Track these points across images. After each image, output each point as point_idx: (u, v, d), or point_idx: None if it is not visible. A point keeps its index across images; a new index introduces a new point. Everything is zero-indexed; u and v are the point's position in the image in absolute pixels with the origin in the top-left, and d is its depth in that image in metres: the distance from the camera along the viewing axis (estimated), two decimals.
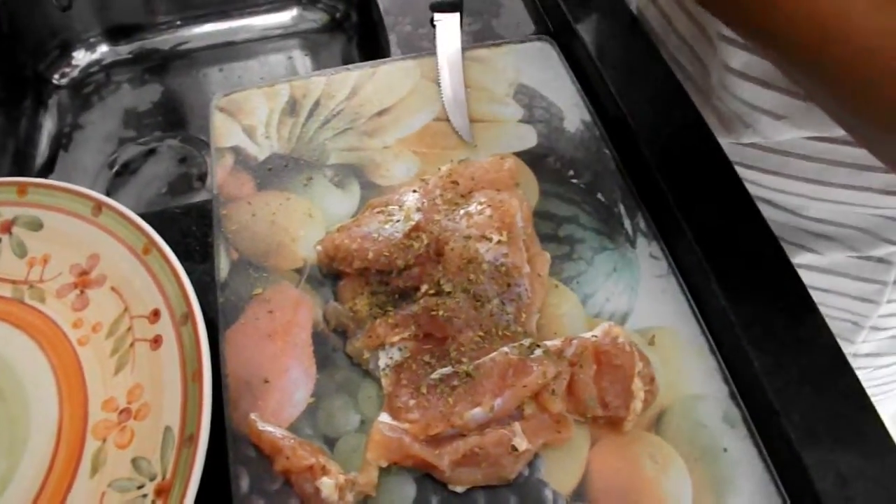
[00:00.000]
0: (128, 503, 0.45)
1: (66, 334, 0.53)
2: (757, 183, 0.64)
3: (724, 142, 0.59)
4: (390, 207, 0.55)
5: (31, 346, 0.52)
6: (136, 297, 0.52)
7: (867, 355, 0.75)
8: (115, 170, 0.85)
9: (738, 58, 0.57)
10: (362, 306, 0.52)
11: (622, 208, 0.57)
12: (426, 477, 0.46)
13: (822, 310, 0.49)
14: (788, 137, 0.60)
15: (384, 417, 0.47)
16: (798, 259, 0.68)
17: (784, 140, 0.60)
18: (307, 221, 0.56)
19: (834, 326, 0.48)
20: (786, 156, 0.62)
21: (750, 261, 0.51)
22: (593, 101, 0.64)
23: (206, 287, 0.54)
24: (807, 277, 0.52)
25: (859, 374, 0.47)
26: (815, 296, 0.49)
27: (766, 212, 0.54)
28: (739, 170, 0.56)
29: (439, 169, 0.58)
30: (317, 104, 0.63)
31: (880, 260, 0.66)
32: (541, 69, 0.66)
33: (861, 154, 0.57)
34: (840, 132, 0.56)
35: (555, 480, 0.46)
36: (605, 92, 0.63)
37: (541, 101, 0.64)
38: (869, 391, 0.46)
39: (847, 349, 0.67)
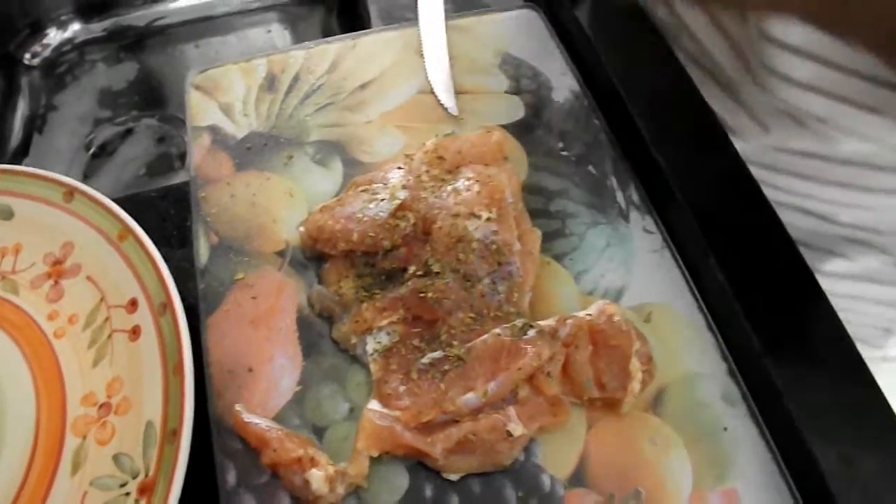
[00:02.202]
0: (111, 502, 0.44)
1: (40, 327, 0.51)
2: (787, 189, 0.62)
3: (753, 145, 0.57)
4: (374, 185, 0.52)
5: (5, 340, 0.50)
6: (112, 286, 0.50)
7: None
8: (91, 152, 0.83)
9: (785, 60, 0.55)
10: (348, 289, 0.50)
11: (614, 181, 0.55)
12: (419, 465, 0.45)
13: (849, 316, 0.47)
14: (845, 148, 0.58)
15: (374, 405, 0.45)
16: (828, 266, 0.65)
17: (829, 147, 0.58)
18: (289, 201, 0.54)
19: (860, 332, 0.47)
20: (823, 161, 0.60)
21: (747, 233, 0.50)
22: (582, 71, 0.62)
23: (185, 273, 0.52)
24: (837, 286, 0.50)
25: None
26: (844, 303, 0.48)
27: (794, 218, 0.52)
28: (767, 174, 0.54)
29: (424, 144, 0.56)
30: (296, 79, 0.61)
31: None
32: (527, 39, 0.64)
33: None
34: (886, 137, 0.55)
35: (552, 465, 0.45)
36: (594, 61, 0.61)
37: (528, 70, 0.62)
38: None
39: (874, 353, 0.67)
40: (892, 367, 0.71)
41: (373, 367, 0.47)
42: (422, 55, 0.62)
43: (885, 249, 0.63)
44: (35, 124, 0.85)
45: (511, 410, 0.44)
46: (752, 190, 0.52)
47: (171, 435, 0.43)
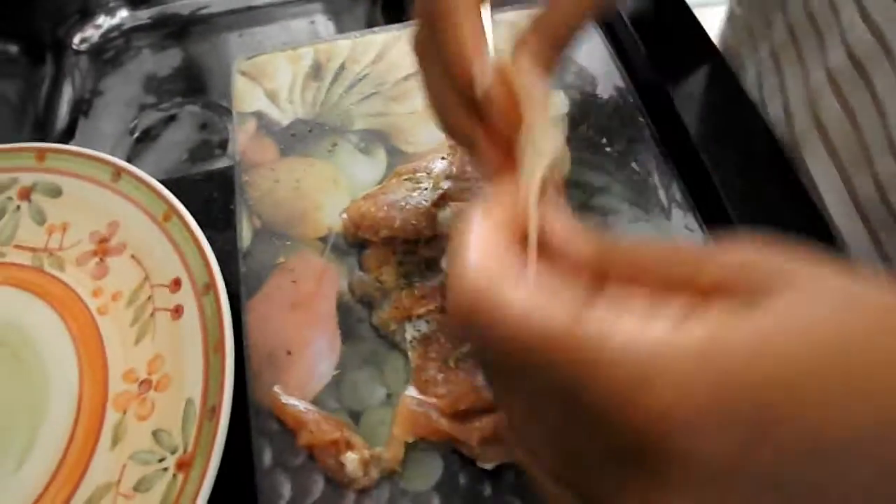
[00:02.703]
0: (149, 476, 0.44)
1: (85, 303, 0.51)
2: None
3: None
4: (418, 175, 0.53)
5: (51, 315, 0.51)
6: (156, 266, 0.51)
7: None
8: (135, 136, 0.84)
9: None
10: (388, 276, 0.50)
11: (657, 178, 0.55)
12: (454, 453, 0.45)
13: None
14: None
15: (411, 391, 0.45)
16: None
17: None
18: (332, 188, 0.55)
19: None
20: None
21: (789, 233, 0.49)
22: (627, 68, 0.62)
23: (228, 256, 0.52)
24: None
25: None
26: None
27: None
28: None
29: None
30: (342, 68, 0.62)
31: None
32: None
33: None
34: None
35: None
36: (639, 58, 0.60)
37: (573, 66, 0.62)
38: None
39: None
40: None
41: (411, 354, 0.47)
42: None
43: None
44: (81, 108, 0.87)
45: None
46: (795, 188, 0.52)
47: (211, 412, 0.44)
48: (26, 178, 0.55)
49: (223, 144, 0.83)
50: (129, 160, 0.81)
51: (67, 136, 0.84)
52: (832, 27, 0.50)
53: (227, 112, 0.84)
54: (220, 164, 0.79)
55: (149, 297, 0.50)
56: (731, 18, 0.67)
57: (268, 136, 0.58)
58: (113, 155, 0.55)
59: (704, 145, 0.54)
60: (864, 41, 0.47)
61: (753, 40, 0.62)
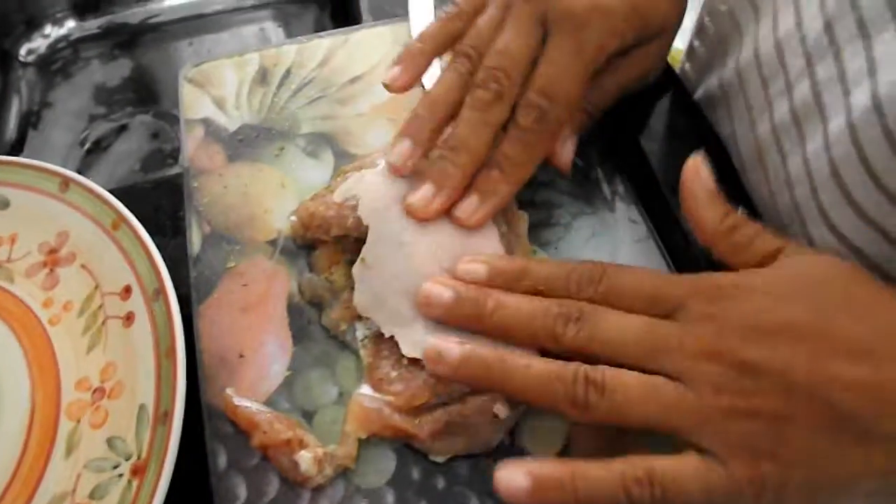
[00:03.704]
0: (104, 483, 0.44)
1: (36, 314, 0.52)
2: None
3: None
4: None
5: (1, 327, 0.51)
6: (106, 274, 0.51)
7: None
8: (86, 147, 0.84)
9: None
10: (339, 276, 0.51)
11: (600, 172, 0.56)
12: (406, 447, 0.45)
13: None
14: None
15: (365, 390, 0.46)
16: None
17: None
18: (280, 192, 0.55)
19: None
20: None
21: None
22: None
23: (178, 262, 0.52)
24: None
25: None
26: None
27: None
28: None
29: None
30: (288, 73, 0.62)
31: None
32: None
33: None
34: None
35: (537, 447, 0.46)
36: None
37: None
38: None
39: None
40: None
41: (363, 352, 0.48)
42: None
43: None
44: (30, 120, 0.86)
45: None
46: (733, 178, 0.53)
47: (164, 417, 0.44)
48: None
49: (174, 153, 0.83)
50: (80, 172, 0.80)
51: (17, 148, 0.84)
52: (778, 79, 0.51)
53: (178, 120, 0.84)
54: (170, 173, 0.80)
55: (100, 306, 0.51)
56: (689, 52, 0.68)
57: (216, 142, 0.58)
58: (64, 167, 0.55)
59: (643, 136, 0.55)
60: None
61: (709, 70, 0.63)
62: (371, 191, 0.50)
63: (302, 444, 0.44)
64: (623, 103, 0.56)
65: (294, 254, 0.53)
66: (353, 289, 0.49)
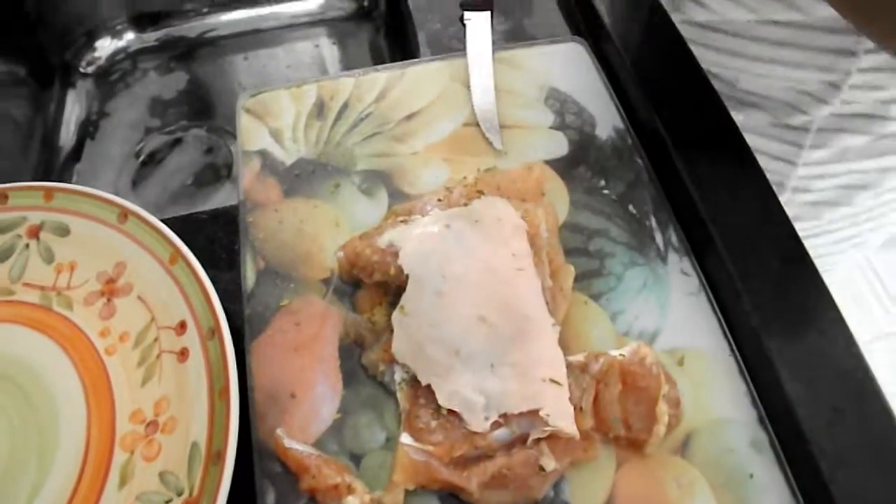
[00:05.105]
0: None
1: (93, 343, 0.53)
2: (703, 59, 0.66)
3: (677, 19, 0.67)
4: (413, 217, 0.54)
5: (60, 354, 0.52)
6: (162, 308, 0.52)
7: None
8: (141, 159, 0.85)
9: None
10: (380, 317, 0.51)
11: (654, 221, 0.56)
12: (452, 496, 0.46)
13: None
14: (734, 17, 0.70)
15: (406, 438, 0.46)
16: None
17: (725, 20, 0.71)
18: (334, 230, 0.56)
19: None
20: (725, 35, 0.73)
21: (784, 281, 0.50)
22: (626, 108, 0.63)
23: (232, 295, 0.53)
24: None
25: None
26: None
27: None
28: (693, 48, 0.63)
29: (465, 178, 0.57)
30: (345, 107, 0.63)
31: (797, 127, 0.75)
32: (573, 72, 0.65)
33: (785, 35, 0.69)
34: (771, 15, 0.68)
35: (580, 501, 0.46)
36: (638, 98, 0.61)
37: (572, 106, 0.63)
38: None
39: None
40: None
41: (399, 395, 0.48)
42: (468, 87, 0.64)
43: (772, 112, 0.76)
44: (88, 130, 0.88)
45: (544, 445, 0.46)
46: (790, 235, 0.53)
47: (216, 457, 0.45)
48: (34, 217, 0.56)
49: (227, 169, 0.84)
50: (134, 183, 0.82)
51: (74, 158, 0.85)
52: None
53: (232, 136, 0.85)
54: (223, 189, 0.81)
55: (155, 339, 0.52)
56: None
57: (272, 175, 0.59)
58: (119, 178, 0.56)
59: (699, 189, 0.55)
60: None
61: None
62: (413, 241, 0.50)
63: (350, 490, 0.45)
64: (678, 148, 0.56)
65: (346, 293, 0.53)
66: (392, 331, 0.49)
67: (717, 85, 0.66)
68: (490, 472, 0.45)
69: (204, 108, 0.90)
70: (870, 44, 0.65)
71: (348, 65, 0.92)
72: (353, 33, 0.95)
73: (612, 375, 0.48)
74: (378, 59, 0.92)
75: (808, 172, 0.78)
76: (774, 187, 0.65)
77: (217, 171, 0.84)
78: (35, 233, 0.56)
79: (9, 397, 0.51)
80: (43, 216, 0.56)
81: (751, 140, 0.66)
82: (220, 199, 0.81)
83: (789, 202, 0.81)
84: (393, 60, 0.87)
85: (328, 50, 0.94)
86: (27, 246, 0.56)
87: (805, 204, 0.82)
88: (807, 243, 0.52)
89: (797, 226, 0.76)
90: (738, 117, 0.72)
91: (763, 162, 0.70)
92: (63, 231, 0.56)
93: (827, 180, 0.79)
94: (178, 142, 0.87)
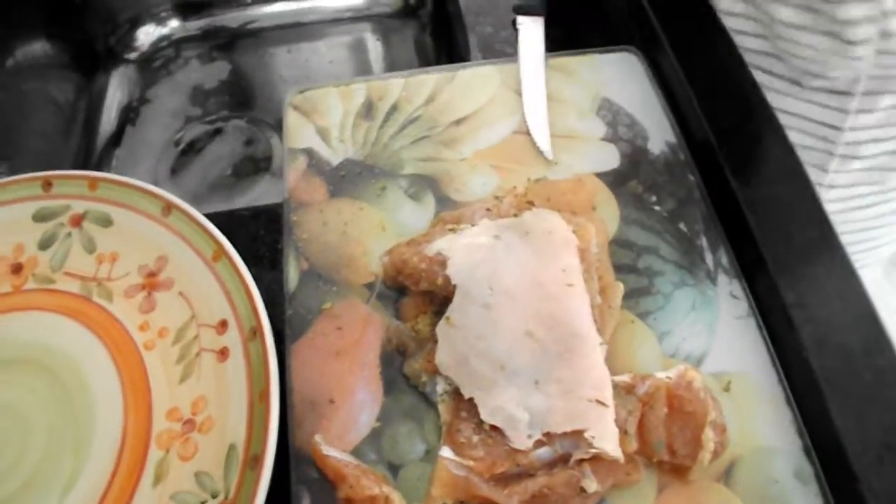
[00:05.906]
0: None
1: (132, 337, 0.52)
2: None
3: None
4: (462, 226, 0.53)
5: (98, 346, 0.52)
6: (203, 305, 0.52)
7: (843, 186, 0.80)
8: (180, 147, 0.85)
9: None
10: (424, 326, 0.51)
11: (704, 241, 0.55)
12: None
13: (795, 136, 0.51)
14: None
15: (446, 452, 0.45)
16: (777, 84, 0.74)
17: None
18: (379, 234, 0.55)
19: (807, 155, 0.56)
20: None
21: (837, 312, 0.49)
22: (679, 122, 0.62)
23: (273, 295, 0.53)
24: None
25: (836, 217, 0.50)
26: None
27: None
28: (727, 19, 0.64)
29: (515, 187, 0.56)
30: (394, 108, 0.62)
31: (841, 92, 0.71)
32: (626, 83, 0.64)
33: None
34: None
35: None
36: (691, 112, 0.60)
37: (625, 118, 0.62)
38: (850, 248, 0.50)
39: (822, 179, 0.76)
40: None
41: (441, 407, 0.48)
42: (519, 93, 0.62)
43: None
44: (129, 116, 0.88)
45: (586, 466, 0.45)
46: (842, 262, 0.52)
47: (254, 461, 0.44)
48: (78, 206, 0.56)
49: (267, 161, 0.83)
50: (172, 171, 0.82)
51: (114, 143, 0.85)
52: None
53: (271, 127, 0.85)
54: (262, 182, 0.80)
55: (195, 337, 0.51)
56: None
57: (318, 175, 0.58)
58: (158, 165, 0.55)
59: (752, 210, 0.53)
60: None
61: None
62: (462, 251, 0.50)
63: (387, 501, 0.44)
64: (732, 166, 0.55)
65: (390, 299, 0.52)
66: (436, 342, 0.48)
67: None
68: (531, 491, 0.44)
69: (245, 100, 0.89)
70: None
71: (392, 62, 0.91)
72: (397, 30, 0.95)
73: (658, 398, 0.46)
74: (423, 59, 0.91)
75: (854, 138, 0.75)
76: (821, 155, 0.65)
77: (256, 164, 0.83)
78: (78, 222, 0.56)
79: (47, 387, 0.51)
80: (87, 205, 0.56)
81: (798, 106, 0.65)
82: (258, 191, 0.81)
83: (838, 170, 0.77)
84: (438, 60, 0.86)
85: (372, 45, 0.93)
86: (69, 235, 0.56)
87: (858, 170, 0.79)
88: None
89: (857, 191, 0.78)
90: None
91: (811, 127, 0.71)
92: (106, 221, 0.55)
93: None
94: (218, 132, 0.87)
